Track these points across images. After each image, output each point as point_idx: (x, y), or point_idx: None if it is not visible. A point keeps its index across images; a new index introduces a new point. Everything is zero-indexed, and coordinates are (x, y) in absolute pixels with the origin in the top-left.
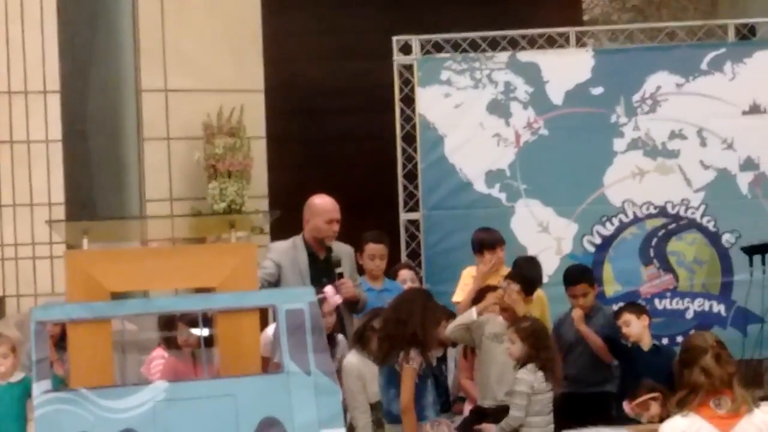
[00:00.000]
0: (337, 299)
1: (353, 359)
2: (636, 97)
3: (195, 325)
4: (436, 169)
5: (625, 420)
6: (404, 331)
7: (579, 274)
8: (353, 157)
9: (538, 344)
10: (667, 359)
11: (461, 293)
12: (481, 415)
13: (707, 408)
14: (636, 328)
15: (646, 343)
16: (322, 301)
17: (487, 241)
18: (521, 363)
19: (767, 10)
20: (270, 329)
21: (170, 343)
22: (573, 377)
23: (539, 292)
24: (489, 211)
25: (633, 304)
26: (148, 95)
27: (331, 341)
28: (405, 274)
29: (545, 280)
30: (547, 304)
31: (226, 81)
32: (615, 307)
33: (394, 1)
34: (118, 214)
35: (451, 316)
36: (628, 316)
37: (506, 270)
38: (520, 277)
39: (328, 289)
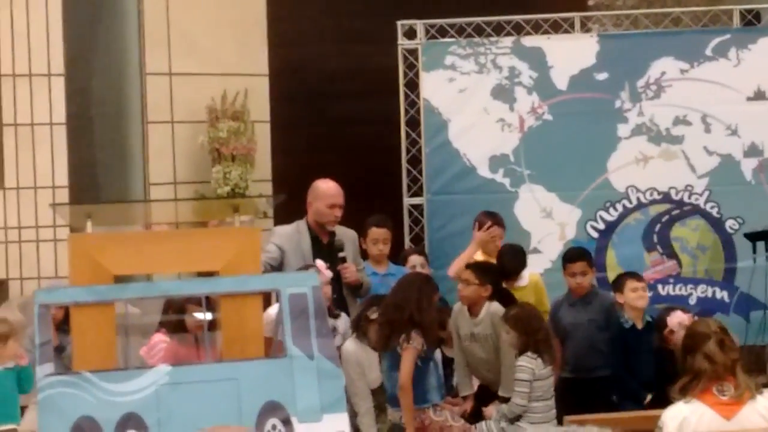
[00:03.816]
0: (328, 273)
1: (351, 346)
2: (640, 83)
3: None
4: (440, 154)
5: (626, 404)
6: (402, 315)
7: (579, 253)
8: (357, 141)
9: (527, 329)
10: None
11: None
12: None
13: (710, 394)
14: (639, 297)
15: (641, 320)
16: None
17: (482, 222)
18: (519, 351)
19: None
20: (271, 309)
21: (172, 327)
22: (571, 362)
23: (535, 277)
24: (493, 197)
25: (631, 272)
26: (152, 78)
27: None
28: (414, 259)
29: (548, 265)
30: (544, 290)
31: (230, 65)
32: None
33: None
34: (122, 197)
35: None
36: (635, 284)
37: None
38: (499, 264)
39: (320, 262)
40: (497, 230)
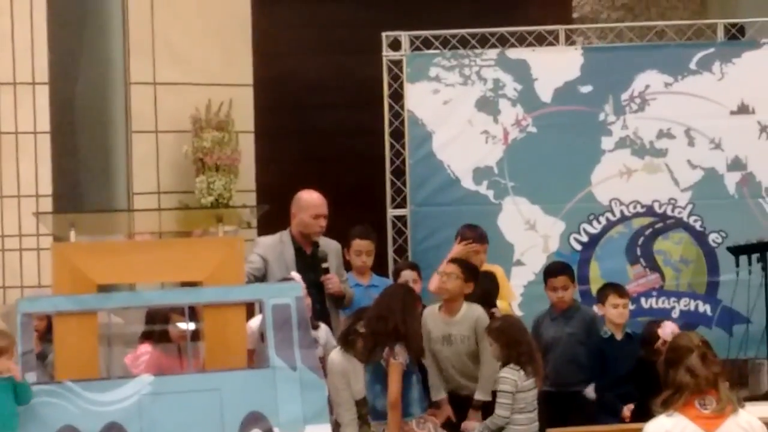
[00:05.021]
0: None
1: (337, 357)
2: (624, 96)
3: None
4: (424, 166)
5: (605, 418)
6: (386, 326)
7: (561, 268)
8: (341, 152)
9: (510, 342)
10: (637, 346)
11: None
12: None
13: (692, 408)
14: (619, 315)
15: (620, 331)
16: None
17: (464, 236)
18: (502, 363)
19: (756, 10)
20: (253, 321)
21: (155, 337)
22: (551, 376)
23: (503, 305)
24: (476, 208)
25: (616, 285)
26: (136, 88)
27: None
28: (407, 274)
29: (532, 277)
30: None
31: (214, 74)
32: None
33: None
34: (106, 206)
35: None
36: (617, 300)
37: (487, 267)
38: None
39: (295, 275)
40: (477, 246)
